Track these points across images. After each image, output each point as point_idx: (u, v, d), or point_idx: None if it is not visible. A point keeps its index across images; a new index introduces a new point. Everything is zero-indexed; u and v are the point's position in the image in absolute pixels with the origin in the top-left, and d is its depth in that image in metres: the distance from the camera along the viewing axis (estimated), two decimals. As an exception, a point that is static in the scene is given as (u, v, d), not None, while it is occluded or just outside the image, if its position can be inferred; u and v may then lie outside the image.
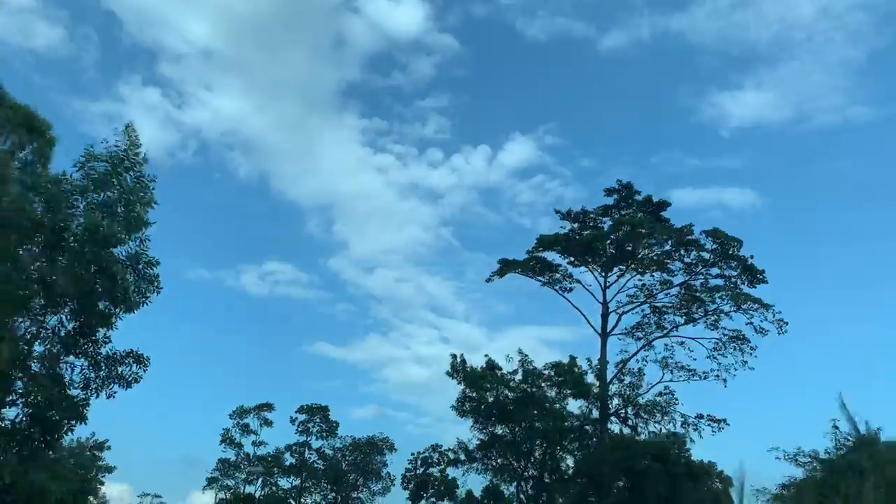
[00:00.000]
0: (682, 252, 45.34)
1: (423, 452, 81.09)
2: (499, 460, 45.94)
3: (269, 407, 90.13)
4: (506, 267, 46.81)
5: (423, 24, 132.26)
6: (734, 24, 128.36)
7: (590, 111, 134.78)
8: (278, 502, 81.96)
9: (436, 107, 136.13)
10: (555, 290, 48.70)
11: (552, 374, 45.61)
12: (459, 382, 46.41)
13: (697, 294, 44.86)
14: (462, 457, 47.26)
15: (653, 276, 47.29)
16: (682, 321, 46.40)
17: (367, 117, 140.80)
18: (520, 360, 45.66)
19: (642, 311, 47.55)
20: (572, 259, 48.20)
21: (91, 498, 60.43)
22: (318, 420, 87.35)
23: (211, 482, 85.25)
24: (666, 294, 46.05)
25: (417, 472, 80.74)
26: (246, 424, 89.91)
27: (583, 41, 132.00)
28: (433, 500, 78.10)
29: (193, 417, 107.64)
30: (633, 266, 47.17)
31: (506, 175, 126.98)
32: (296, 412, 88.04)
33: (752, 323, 42.29)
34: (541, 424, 42.47)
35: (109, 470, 64.22)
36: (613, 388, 42.56)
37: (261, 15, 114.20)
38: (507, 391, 45.41)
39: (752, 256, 42.67)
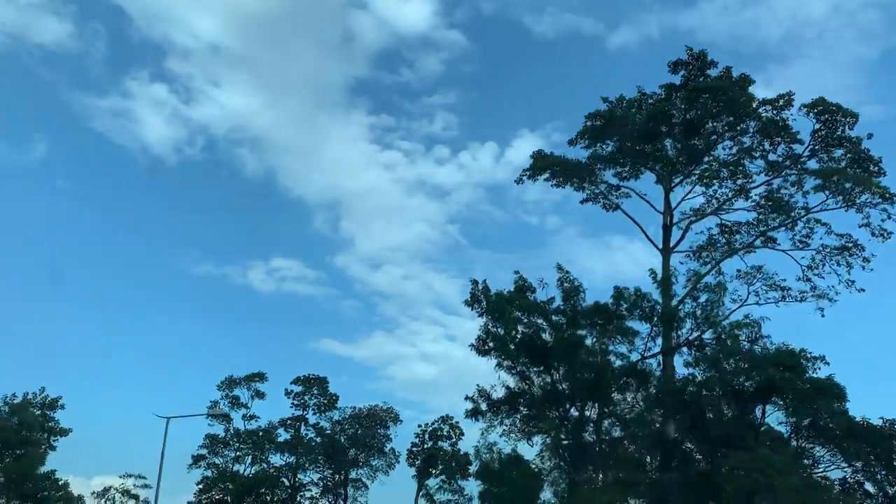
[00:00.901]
0: (767, 146, 34.74)
1: (433, 424, 70.66)
2: (531, 410, 35.29)
3: (260, 377, 79.29)
4: (541, 162, 36.27)
5: (430, 21, 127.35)
6: (745, 22, 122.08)
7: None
8: (269, 480, 71.55)
9: (443, 104, 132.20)
10: (603, 202, 38.25)
11: (595, 316, 34.96)
12: (481, 314, 35.91)
13: (783, 200, 34.21)
14: (483, 406, 36.55)
15: (723, 184, 36.77)
16: (759, 242, 35.79)
17: (374, 114, 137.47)
18: (559, 281, 35.06)
19: (708, 229, 37.04)
20: (622, 167, 37.73)
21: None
22: (315, 392, 76.99)
23: (197, 460, 74.83)
24: (746, 198, 35.38)
25: (425, 446, 70.27)
26: (236, 397, 79.35)
27: (591, 38, 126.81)
28: (443, 477, 67.64)
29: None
30: (700, 174, 36.67)
31: (513, 172, 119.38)
32: (291, 383, 77.78)
33: (867, 224, 31.64)
34: (585, 370, 32.05)
35: (64, 433, 54.11)
36: (686, 309, 31.82)
37: (269, 11, 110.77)
38: (542, 320, 34.77)
39: (869, 136, 31.98)
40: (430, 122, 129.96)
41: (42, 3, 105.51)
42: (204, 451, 75.48)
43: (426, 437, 67.84)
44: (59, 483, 52.10)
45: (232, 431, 76.93)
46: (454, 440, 65.51)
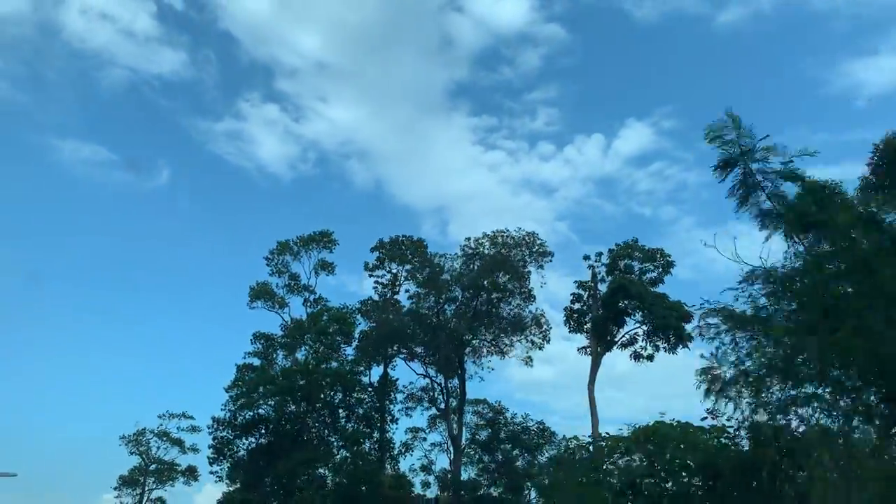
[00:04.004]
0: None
1: (617, 249, 39.20)
2: None
3: (327, 239, 50.98)
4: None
5: (527, 16, 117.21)
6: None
7: (709, 91, 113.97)
8: (336, 377, 42.75)
9: (545, 99, 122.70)
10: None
11: None
12: None
13: None
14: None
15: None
16: None
17: (476, 115, 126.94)
18: None
19: None
20: None
21: None
22: (409, 257, 47.70)
23: (244, 371, 47.14)
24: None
25: (598, 294, 38.40)
26: (294, 276, 51.49)
27: (697, 18, 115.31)
28: (645, 340, 36.25)
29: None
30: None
31: (622, 163, 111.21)
32: (372, 250, 48.98)
33: None
34: None
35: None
36: None
37: (368, 23, 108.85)
38: None
39: None
40: (533, 118, 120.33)
41: (158, 35, 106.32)
42: (253, 360, 48.15)
43: (596, 279, 36.54)
44: None
45: (291, 324, 49.11)
46: (659, 269, 33.97)
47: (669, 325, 31.39)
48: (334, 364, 44.67)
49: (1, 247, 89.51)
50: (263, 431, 44.86)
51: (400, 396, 45.23)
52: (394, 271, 48.62)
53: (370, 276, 49.01)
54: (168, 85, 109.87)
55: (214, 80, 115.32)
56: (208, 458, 45.24)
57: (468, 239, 39.85)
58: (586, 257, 35.51)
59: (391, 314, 45.54)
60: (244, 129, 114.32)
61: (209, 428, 44.71)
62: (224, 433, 44.34)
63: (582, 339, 36.09)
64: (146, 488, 56.82)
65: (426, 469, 38.29)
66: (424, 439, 46.94)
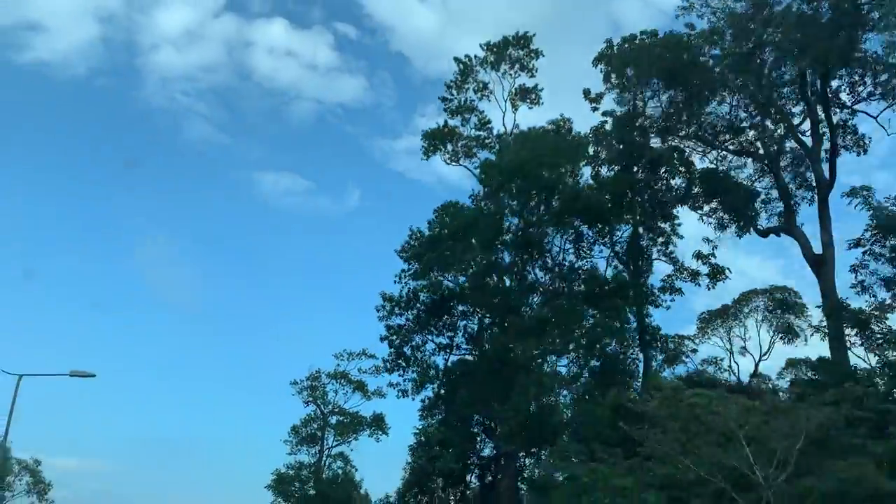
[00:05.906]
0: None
1: None
2: None
3: (528, 50, 33.88)
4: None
5: None
6: None
7: None
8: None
9: None
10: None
11: None
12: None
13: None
14: None
15: None
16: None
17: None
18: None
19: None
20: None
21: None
22: (651, 68, 30.27)
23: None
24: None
25: None
26: (484, 121, 35.23)
27: None
28: None
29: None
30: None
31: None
32: (595, 61, 32.15)
33: None
34: None
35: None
36: None
37: (533, 21, 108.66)
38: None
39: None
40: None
41: (338, 65, 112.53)
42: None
43: None
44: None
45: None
46: None
47: None
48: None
49: (225, 271, 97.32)
50: (460, 319, 30.01)
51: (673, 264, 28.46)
52: (631, 91, 31.77)
53: (594, 107, 32.62)
54: (350, 111, 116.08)
55: (392, 100, 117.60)
56: (383, 361, 31.19)
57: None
58: None
59: (638, 135, 28.93)
60: (422, 145, 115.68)
61: (378, 310, 30.25)
62: (401, 320, 29.91)
63: None
64: (325, 444, 43.29)
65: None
66: (695, 350, 29.88)
